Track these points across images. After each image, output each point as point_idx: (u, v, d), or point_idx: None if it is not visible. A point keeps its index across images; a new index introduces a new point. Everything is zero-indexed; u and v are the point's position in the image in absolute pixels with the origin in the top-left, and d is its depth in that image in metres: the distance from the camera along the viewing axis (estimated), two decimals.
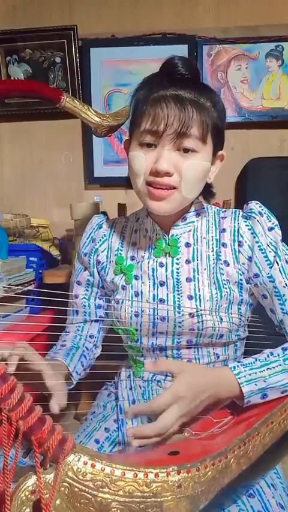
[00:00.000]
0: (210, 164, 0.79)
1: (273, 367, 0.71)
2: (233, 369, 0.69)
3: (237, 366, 0.70)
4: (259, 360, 0.72)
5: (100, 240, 0.91)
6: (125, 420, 0.84)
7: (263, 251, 0.79)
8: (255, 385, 0.69)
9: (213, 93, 0.78)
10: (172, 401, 0.63)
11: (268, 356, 0.73)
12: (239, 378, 0.68)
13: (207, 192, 0.87)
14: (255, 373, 0.70)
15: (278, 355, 0.73)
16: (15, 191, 1.87)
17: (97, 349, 0.94)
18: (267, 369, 0.71)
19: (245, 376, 0.69)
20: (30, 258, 1.45)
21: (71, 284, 0.97)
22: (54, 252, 1.56)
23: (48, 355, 0.86)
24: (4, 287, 1.18)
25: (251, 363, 0.71)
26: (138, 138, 0.76)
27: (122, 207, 1.52)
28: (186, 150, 0.74)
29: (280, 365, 0.71)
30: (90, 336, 0.94)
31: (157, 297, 0.82)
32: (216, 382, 0.69)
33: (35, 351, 0.70)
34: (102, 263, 0.90)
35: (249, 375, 0.69)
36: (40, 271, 1.46)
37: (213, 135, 0.77)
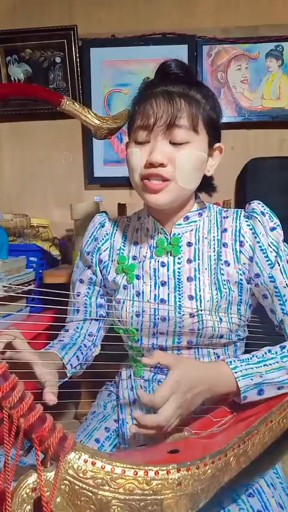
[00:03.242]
0: (205, 155, 0.79)
1: (270, 364, 0.71)
2: (229, 364, 0.70)
3: (234, 361, 0.70)
4: (256, 356, 0.72)
5: (102, 239, 0.91)
6: (126, 420, 0.84)
7: (264, 251, 0.79)
8: (251, 379, 0.69)
9: (204, 88, 0.80)
10: (171, 391, 0.64)
11: (266, 353, 0.73)
12: (235, 372, 0.69)
13: (208, 185, 0.87)
14: (252, 368, 0.70)
15: (276, 353, 0.73)
16: (15, 191, 1.87)
17: (95, 348, 0.94)
18: (264, 365, 0.71)
19: (241, 371, 0.69)
20: (30, 258, 1.45)
21: (72, 282, 0.97)
22: (54, 252, 1.56)
23: (43, 349, 0.86)
24: (4, 287, 1.18)
25: (248, 359, 0.71)
26: (134, 136, 0.79)
27: (122, 207, 1.52)
28: (178, 141, 0.75)
29: (277, 362, 0.72)
30: (89, 334, 0.94)
31: (158, 297, 0.82)
32: (213, 376, 0.69)
33: (25, 340, 0.70)
34: (104, 262, 0.90)
35: (246, 369, 0.69)
36: (40, 271, 1.45)
37: (207, 126, 0.78)
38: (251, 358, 0.72)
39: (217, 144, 0.82)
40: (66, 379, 0.82)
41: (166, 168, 0.75)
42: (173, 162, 0.75)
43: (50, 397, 0.67)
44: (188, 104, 0.75)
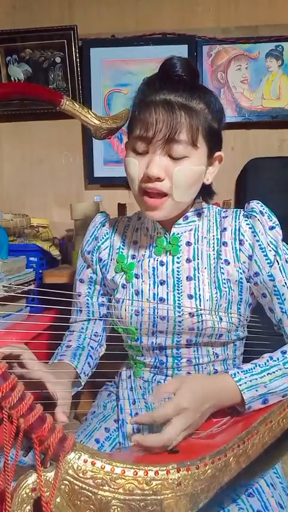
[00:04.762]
0: (204, 167, 0.78)
1: (274, 372, 0.71)
2: (233, 376, 0.70)
3: (238, 373, 0.70)
4: (259, 365, 0.72)
5: (102, 238, 0.91)
6: (126, 420, 0.84)
7: (263, 250, 0.79)
8: (256, 391, 0.69)
9: (208, 94, 0.78)
10: (175, 412, 0.63)
11: (268, 361, 0.73)
12: (240, 385, 0.69)
13: (207, 192, 0.87)
14: (256, 379, 0.70)
15: (278, 359, 0.73)
16: (15, 191, 1.87)
17: (101, 348, 0.95)
18: (268, 374, 0.71)
19: (245, 383, 0.69)
20: (30, 258, 1.45)
21: (74, 282, 0.97)
22: (54, 252, 1.56)
23: (54, 357, 0.86)
24: (4, 287, 1.18)
25: (251, 369, 0.71)
26: (132, 144, 0.77)
27: (122, 207, 1.52)
28: (177, 156, 0.73)
29: (280, 369, 0.72)
30: (94, 335, 0.94)
31: (157, 295, 0.82)
32: (218, 391, 0.69)
33: (34, 358, 0.69)
34: (104, 261, 0.91)
35: (250, 381, 0.69)
36: (40, 271, 1.45)
37: (207, 138, 0.76)
38: (254, 368, 0.72)
39: (217, 154, 0.81)
40: (80, 388, 0.83)
41: (163, 183, 0.74)
42: (170, 176, 0.74)
43: (62, 418, 0.65)
44: (188, 117, 0.72)
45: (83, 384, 0.83)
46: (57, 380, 0.70)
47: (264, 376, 0.71)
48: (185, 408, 0.63)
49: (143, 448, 0.61)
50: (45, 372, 0.69)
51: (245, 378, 0.70)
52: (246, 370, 0.71)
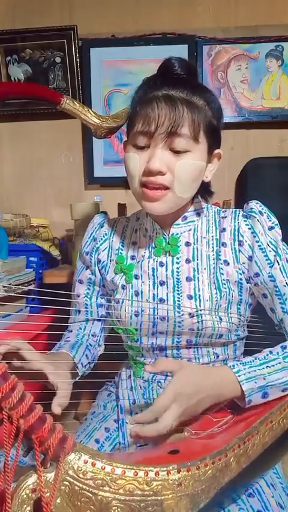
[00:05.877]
0: (204, 163, 0.78)
1: (273, 365, 0.71)
2: (232, 368, 0.70)
3: (237, 365, 0.70)
4: (258, 358, 0.72)
5: (101, 239, 0.91)
6: (126, 420, 0.84)
7: (263, 250, 0.79)
8: (255, 382, 0.69)
9: (207, 92, 0.78)
10: (171, 401, 0.63)
11: (267, 354, 0.73)
12: (239, 376, 0.68)
13: (205, 191, 0.87)
14: (255, 370, 0.70)
15: (278, 353, 0.73)
16: (15, 191, 1.88)
17: (100, 348, 0.95)
18: (267, 366, 0.71)
19: (244, 374, 0.69)
20: (30, 258, 1.45)
21: (73, 283, 0.97)
22: (54, 252, 1.56)
23: (53, 350, 0.86)
24: (4, 287, 1.18)
25: (251, 361, 0.71)
26: (133, 140, 0.77)
27: (122, 207, 1.52)
28: (178, 150, 0.74)
29: (280, 363, 0.72)
30: (92, 335, 0.94)
31: (157, 296, 0.82)
32: (217, 381, 0.69)
33: (32, 348, 0.70)
34: (103, 262, 0.90)
35: (249, 372, 0.69)
36: (40, 271, 1.46)
37: (207, 134, 0.77)
38: (253, 361, 0.72)
39: (216, 151, 0.81)
40: (77, 379, 0.83)
41: (165, 177, 0.74)
42: (172, 170, 0.74)
43: (56, 410, 0.66)
44: (190, 112, 0.73)
45: (80, 374, 0.83)
46: (56, 370, 0.71)
47: (264, 368, 0.70)
48: (180, 393, 0.63)
49: (141, 438, 0.61)
50: (45, 363, 0.69)
51: (244, 369, 0.69)
52: (245, 362, 0.71)
